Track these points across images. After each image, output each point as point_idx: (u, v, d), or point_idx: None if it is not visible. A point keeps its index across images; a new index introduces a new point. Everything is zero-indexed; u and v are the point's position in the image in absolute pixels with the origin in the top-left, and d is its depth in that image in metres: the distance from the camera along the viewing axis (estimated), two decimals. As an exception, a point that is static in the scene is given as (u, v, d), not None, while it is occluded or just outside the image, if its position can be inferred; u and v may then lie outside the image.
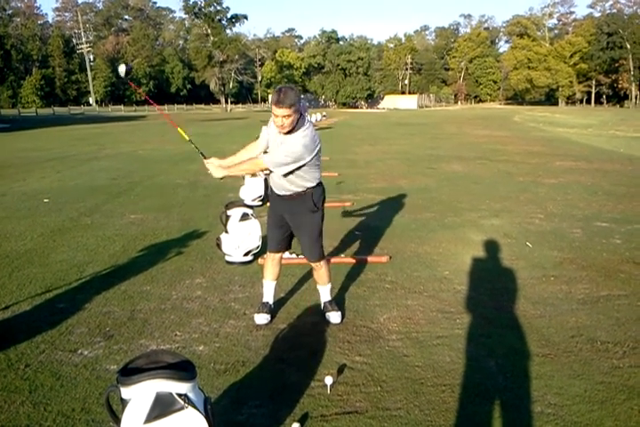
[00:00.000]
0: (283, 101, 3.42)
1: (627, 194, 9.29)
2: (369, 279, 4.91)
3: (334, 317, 4.01)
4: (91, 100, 79.39)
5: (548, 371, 3.24)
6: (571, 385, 3.08)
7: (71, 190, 9.51)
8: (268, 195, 4.07)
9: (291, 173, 3.64)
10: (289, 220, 3.87)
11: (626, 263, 5.38)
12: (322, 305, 4.13)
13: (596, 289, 4.66)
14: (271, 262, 4.07)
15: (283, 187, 3.79)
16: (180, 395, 1.98)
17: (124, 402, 1.99)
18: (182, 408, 1.96)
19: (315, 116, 34.71)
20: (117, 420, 2.01)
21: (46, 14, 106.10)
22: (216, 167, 3.91)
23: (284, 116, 3.46)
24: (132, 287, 4.66)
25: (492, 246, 5.93)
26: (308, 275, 4.87)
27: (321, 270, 4.03)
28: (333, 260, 5.36)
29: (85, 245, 5.96)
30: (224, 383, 3.09)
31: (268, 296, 4.10)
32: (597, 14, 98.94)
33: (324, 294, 4.13)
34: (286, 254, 5.33)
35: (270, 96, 3.76)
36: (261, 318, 3.95)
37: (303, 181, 3.72)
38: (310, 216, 3.84)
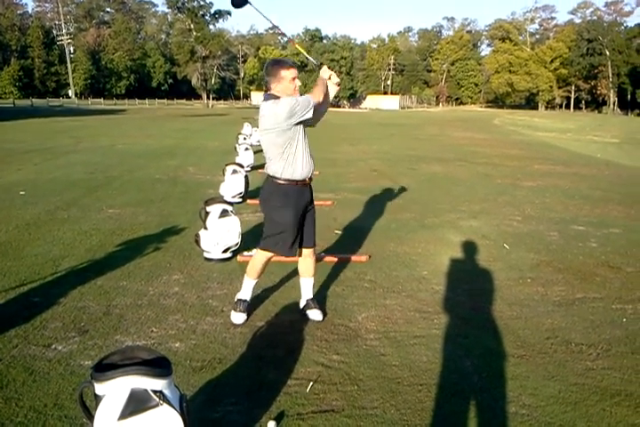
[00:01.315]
0: (293, 63, 3.61)
1: (603, 198, 9.42)
2: (348, 278, 4.91)
3: (317, 314, 3.99)
4: (70, 92, 78.53)
5: (523, 372, 3.27)
6: (545, 386, 3.11)
7: (48, 183, 9.38)
8: (285, 191, 3.71)
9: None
10: (306, 209, 3.85)
11: (601, 267, 5.45)
12: (303, 302, 4.09)
13: (572, 292, 4.71)
14: (266, 263, 3.96)
15: (310, 164, 3.75)
16: (155, 392, 1.95)
17: (97, 398, 1.96)
18: (157, 405, 1.93)
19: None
20: (91, 416, 1.98)
21: (26, 4, 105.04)
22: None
23: (297, 77, 3.60)
24: (109, 282, 4.60)
25: (470, 248, 5.97)
26: (286, 273, 4.87)
27: (313, 258, 4.03)
28: (312, 258, 5.35)
29: (61, 239, 5.87)
30: (200, 381, 3.07)
31: (249, 295, 4.04)
32: (578, 21, 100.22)
33: (309, 288, 4.08)
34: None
35: (273, 70, 3.59)
36: (241, 318, 3.91)
37: None
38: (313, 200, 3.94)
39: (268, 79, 3.64)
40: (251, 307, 4.06)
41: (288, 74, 3.57)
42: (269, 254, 3.89)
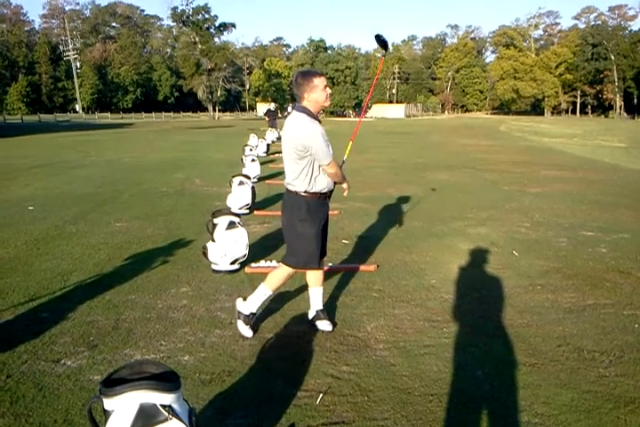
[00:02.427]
0: (322, 72, 3.72)
1: (612, 203, 9.37)
2: (357, 288, 4.89)
3: (326, 325, 3.97)
4: (77, 107, 79.06)
5: (535, 380, 3.24)
6: (558, 394, 3.08)
7: (56, 198, 9.43)
8: (309, 204, 3.76)
9: None
10: (325, 222, 3.92)
11: (611, 272, 5.41)
12: (313, 313, 4.07)
13: (583, 298, 4.68)
14: (290, 277, 3.98)
15: (330, 181, 3.83)
16: (164, 406, 1.94)
17: (106, 413, 1.95)
18: (166, 420, 1.92)
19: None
20: (100, 432, 1.96)
21: (33, 21, 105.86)
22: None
23: (328, 85, 3.70)
24: (117, 296, 4.61)
25: (478, 255, 5.94)
26: (294, 283, 4.85)
27: (322, 268, 4.05)
28: (320, 268, 5.34)
29: (70, 254, 5.89)
30: (209, 394, 3.06)
31: (259, 308, 4.00)
32: (582, 26, 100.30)
33: (319, 298, 4.06)
34: (273, 263, 5.33)
35: (305, 80, 3.63)
36: (250, 332, 3.88)
37: None
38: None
39: (299, 89, 3.65)
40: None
41: (320, 82, 3.63)
42: (292, 270, 3.90)
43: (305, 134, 3.58)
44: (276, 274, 3.94)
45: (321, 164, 3.65)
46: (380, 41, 4.28)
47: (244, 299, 3.98)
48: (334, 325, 4.03)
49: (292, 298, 4.60)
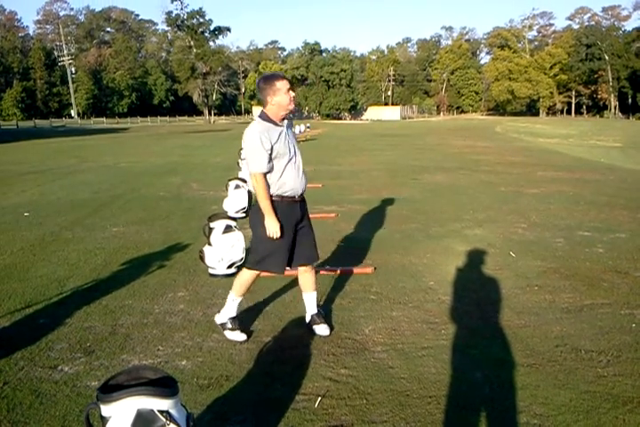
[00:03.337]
0: (285, 75, 3.69)
1: (608, 203, 9.38)
2: (354, 291, 4.89)
3: (323, 329, 3.96)
4: (72, 112, 79.06)
5: (533, 381, 3.23)
6: (556, 395, 3.07)
7: (52, 204, 9.41)
8: (275, 207, 3.66)
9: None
10: (298, 226, 3.82)
11: (609, 272, 5.41)
12: (309, 317, 4.06)
13: (580, 298, 4.68)
14: (254, 280, 3.93)
15: (304, 182, 3.77)
16: (161, 412, 1.93)
17: (104, 420, 1.95)
18: (164, 425, 1.91)
19: (298, 128, 34.78)
20: (97, 438, 1.96)
21: (27, 27, 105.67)
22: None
23: (292, 88, 3.65)
24: (114, 302, 4.59)
25: (476, 256, 5.94)
26: (291, 287, 4.85)
27: (312, 273, 4.02)
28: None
29: (66, 260, 5.88)
30: (207, 399, 3.05)
31: (236, 312, 3.98)
32: (576, 26, 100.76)
33: (313, 303, 4.05)
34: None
35: (267, 84, 3.59)
36: (242, 335, 3.87)
37: None
38: (308, 214, 3.95)
39: (262, 94, 3.64)
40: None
41: (283, 85, 3.59)
42: (256, 272, 3.87)
43: (245, 138, 3.62)
44: (240, 279, 3.93)
45: (249, 170, 3.65)
46: None
47: (219, 312, 4.00)
48: (331, 328, 4.02)
49: (290, 301, 4.59)
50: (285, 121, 3.72)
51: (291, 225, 3.74)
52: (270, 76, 3.69)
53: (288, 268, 4.23)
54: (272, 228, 3.62)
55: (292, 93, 3.62)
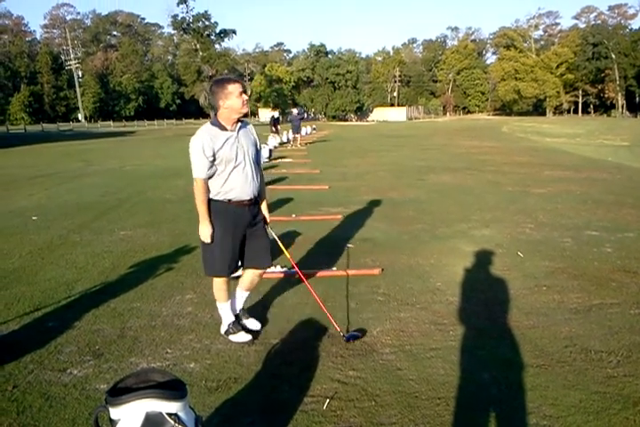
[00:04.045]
0: (238, 78, 3.71)
1: (616, 202, 9.34)
2: (361, 292, 4.88)
3: (255, 323, 4.03)
4: (80, 116, 79.39)
5: (542, 382, 3.22)
6: (566, 396, 3.06)
7: (59, 207, 9.44)
8: (217, 210, 3.72)
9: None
10: (248, 229, 3.81)
11: (617, 272, 5.39)
12: (239, 313, 4.06)
13: (589, 298, 4.66)
14: (228, 284, 3.95)
15: (254, 187, 3.76)
16: (170, 414, 1.93)
17: (113, 423, 1.95)
18: (172, 428, 1.92)
19: (305, 129, 34.83)
20: (106, 441, 1.96)
21: (34, 31, 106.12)
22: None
23: (246, 91, 3.63)
24: (122, 304, 4.61)
25: (483, 257, 5.93)
26: (298, 289, 4.86)
27: (259, 278, 4.08)
28: (325, 273, 5.34)
29: (74, 263, 5.90)
30: (216, 401, 3.05)
31: (232, 315, 4.01)
32: (582, 25, 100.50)
33: (242, 301, 4.09)
34: (278, 268, 5.33)
35: (219, 88, 3.58)
36: (245, 336, 3.89)
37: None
38: (263, 217, 3.95)
39: (214, 98, 3.61)
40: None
41: (235, 88, 3.56)
42: (221, 278, 3.88)
43: (191, 141, 3.62)
44: (215, 287, 3.96)
45: (195, 177, 3.64)
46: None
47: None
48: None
49: (297, 304, 4.59)
50: (239, 124, 3.69)
51: (238, 228, 3.75)
52: (222, 79, 3.67)
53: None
54: (203, 232, 3.70)
55: (244, 97, 3.60)
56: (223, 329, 3.97)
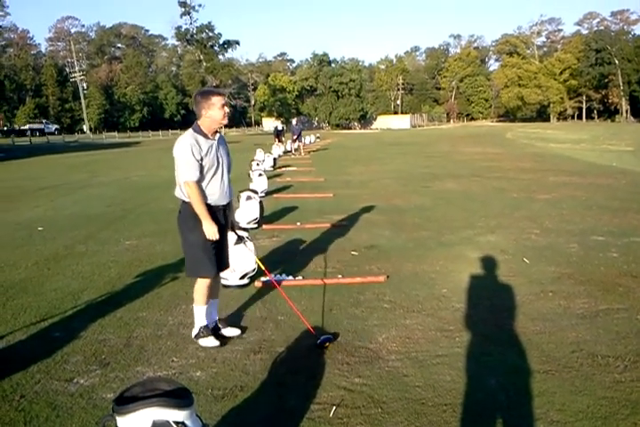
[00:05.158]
0: (222, 91, 3.87)
1: (621, 207, 9.32)
2: (367, 299, 4.87)
3: (234, 331, 4.11)
4: (85, 127, 79.65)
5: (549, 387, 3.21)
6: (573, 401, 3.05)
7: (65, 218, 9.48)
8: (195, 213, 3.83)
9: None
10: (222, 232, 3.93)
11: (624, 277, 5.37)
12: (212, 324, 4.10)
13: (595, 303, 4.64)
14: (209, 287, 4.00)
15: (229, 193, 3.95)
16: (177, 423, 1.94)
17: (119, 431, 1.96)
18: (179, 436, 1.92)
19: (308, 138, 34.93)
20: (113, 450, 1.96)
21: (39, 44, 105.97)
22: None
23: (227, 104, 3.75)
24: (128, 314, 4.62)
25: (489, 263, 5.92)
26: (304, 297, 4.86)
27: (219, 280, 4.21)
28: (331, 281, 5.34)
29: (80, 273, 5.92)
30: (222, 409, 3.05)
31: (205, 320, 4.05)
32: (585, 31, 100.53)
33: (216, 309, 4.18)
34: (283, 276, 5.34)
35: (203, 98, 3.73)
36: (213, 341, 3.94)
37: None
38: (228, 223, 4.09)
39: (197, 107, 3.76)
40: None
41: (218, 100, 3.72)
42: (206, 280, 3.95)
43: (175, 147, 3.76)
44: (195, 289, 4.02)
45: (180, 179, 3.76)
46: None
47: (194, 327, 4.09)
48: (242, 329, 4.16)
49: (302, 311, 4.57)
50: (218, 135, 3.87)
51: (218, 226, 3.87)
52: (207, 90, 3.87)
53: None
54: (210, 230, 3.77)
55: (226, 109, 3.76)
56: (194, 333, 4.03)
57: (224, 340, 4.01)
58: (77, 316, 4.61)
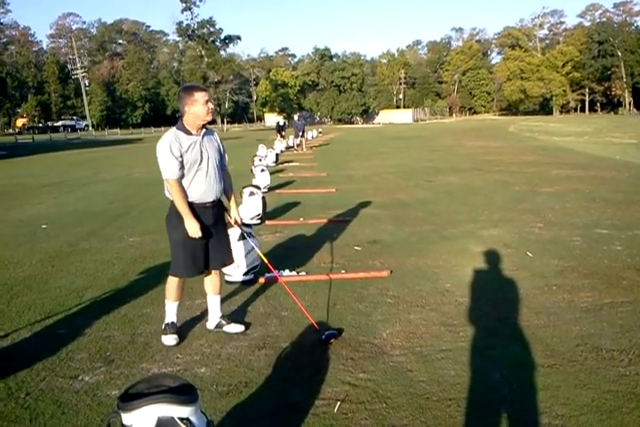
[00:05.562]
0: (205, 87, 3.81)
1: (625, 200, 9.30)
2: (370, 295, 4.88)
3: (236, 327, 4.11)
4: (87, 123, 79.63)
5: (554, 381, 3.21)
6: (578, 395, 3.04)
7: (68, 215, 9.49)
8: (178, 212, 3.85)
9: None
10: (211, 231, 3.91)
11: (628, 270, 5.36)
12: (215, 321, 4.16)
13: (599, 297, 4.64)
14: (182, 286, 4.06)
15: (217, 190, 3.89)
16: (181, 419, 1.94)
17: (125, 428, 1.96)
18: (184, 432, 1.92)
19: (310, 133, 34.89)
20: (119, 447, 1.97)
21: (41, 41, 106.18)
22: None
23: (211, 100, 3.72)
24: (132, 311, 4.63)
25: (492, 257, 5.91)
26: (308, 293, 4.87)
27: (219, 277, 4.20)
28: (334, 276, 5.34)
29: (84, 270, 5.93)
30: (227, 405, 3.05)
31: (175, 317, 4.09)
32: (587, 23, 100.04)
33: (217, 306, 4.19)
34: (286, 272, 5.34)
35: (186, 94, 3.70)
36: (173, 339, 3.94)
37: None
38: (224, 219, 4.07)
39: (181, 103, 3.75)
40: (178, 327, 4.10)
41: (201, 96, 3.69)
42: (176, 279, 4.00)
43: (158, 145, 3.73)
44: (166, 286, 4.07)
45: (163, 177, 3.76)
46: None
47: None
48: (246, 326, 4.16)
49: (307, 307, 4.57)
50: (204, 130, 3.82)
51: (201, 230, 3.83)
52: (190, 86, 3.81)
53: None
54: (192, 228, 3.75)
55: (210, 105, 3.73)
56: (163, 326, 4.07)
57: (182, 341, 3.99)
58: (82, 313, 4.62)
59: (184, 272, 3.94)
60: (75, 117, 78.42)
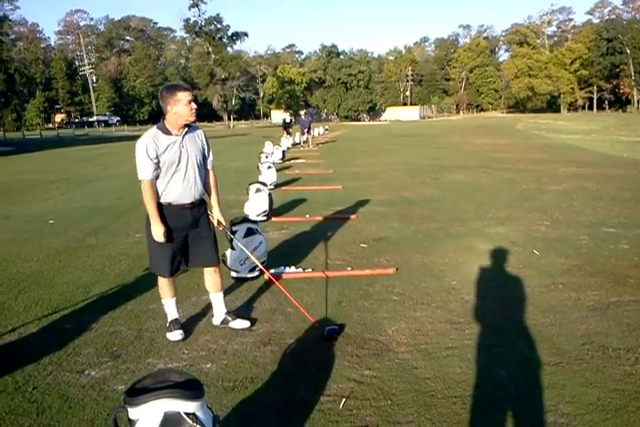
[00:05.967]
0: (189, 87, 3.73)
1: (632, 198, 9.26)
2: (376, 292, 4.88)
3: (242, 323, 4.11)
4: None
5: (559, 380, 3.20)
6: (583, 394, 3.04)
7: (76, 211, 9.53)
8: (161, 212, 3.81)
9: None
10: (191, 231, 3.90)
11: (635, 268, 5.34)
12: (220, 317, 4.17)
13: (606, 295, 4.62)
14: (172, 283, 4.06)
15: (195, 191, 3.83)
16: (188, 414, 1.95)
17: (131, 423, 1.97)
18: (190, 428, 1.93)
19: (317, 130, 34.88)
20: (125, 441, 1.98)
21: (49, 38, 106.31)
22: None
23: (193, 100, 3.66)
24: (139, 306, 4.65)
25: (498, 255, 5.90)
26: (313, 289, 4.87)
27: (218, 274, 4.16)
28: (340, 273, 5.34)
29: (91, 266, 5.96)
30: (233, 401, 3.07)
31: (176, 313, 4.11)
32: (596, 21, 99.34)
33: (221, 303, 4.19)
34: (292, 269, 5.35)
35: (169, 93, 3.63)
36: (179, 335, 3.96)
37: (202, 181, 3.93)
38: (208, 219, 4.03)
39: (163, 102, 3.67)
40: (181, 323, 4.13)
41: (184, 96, 3.62)
42: (168, 278, 4.00)
43: (136, 144, 3.70)
44: (158, 284, 4.07)
45: (141, 179, 3.75)
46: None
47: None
48: (251, 322, 4.17)
49: (312, 303, 4.60)
50: (186, 129, 3.76)
51: (178, 231, 3.84)
52: (173, 85, 3.75)
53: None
54: (156, 231, 3.75)
55: (193, 105, 3.66)
56: (167, 323, 4.08)
57: (187, 336, 4.02)
58: (88, 308, 4.64)
59: (163, 269, 3.93)
60: (107, 113, 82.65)
